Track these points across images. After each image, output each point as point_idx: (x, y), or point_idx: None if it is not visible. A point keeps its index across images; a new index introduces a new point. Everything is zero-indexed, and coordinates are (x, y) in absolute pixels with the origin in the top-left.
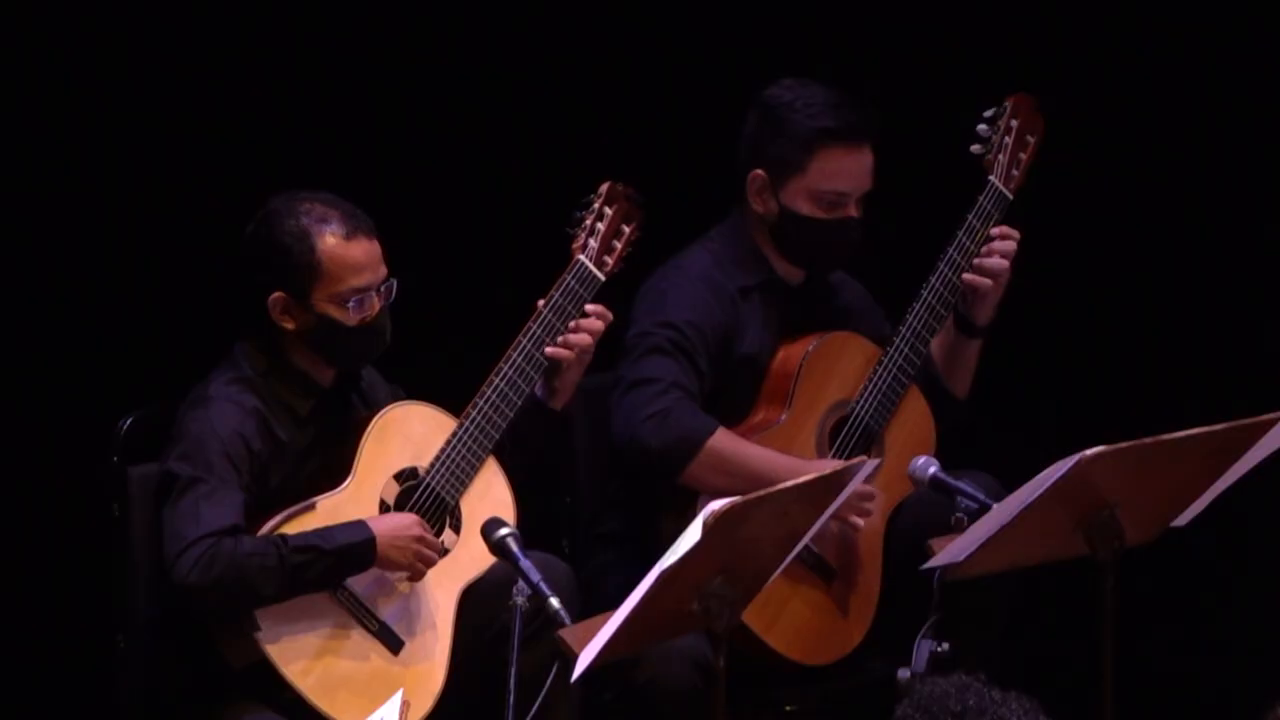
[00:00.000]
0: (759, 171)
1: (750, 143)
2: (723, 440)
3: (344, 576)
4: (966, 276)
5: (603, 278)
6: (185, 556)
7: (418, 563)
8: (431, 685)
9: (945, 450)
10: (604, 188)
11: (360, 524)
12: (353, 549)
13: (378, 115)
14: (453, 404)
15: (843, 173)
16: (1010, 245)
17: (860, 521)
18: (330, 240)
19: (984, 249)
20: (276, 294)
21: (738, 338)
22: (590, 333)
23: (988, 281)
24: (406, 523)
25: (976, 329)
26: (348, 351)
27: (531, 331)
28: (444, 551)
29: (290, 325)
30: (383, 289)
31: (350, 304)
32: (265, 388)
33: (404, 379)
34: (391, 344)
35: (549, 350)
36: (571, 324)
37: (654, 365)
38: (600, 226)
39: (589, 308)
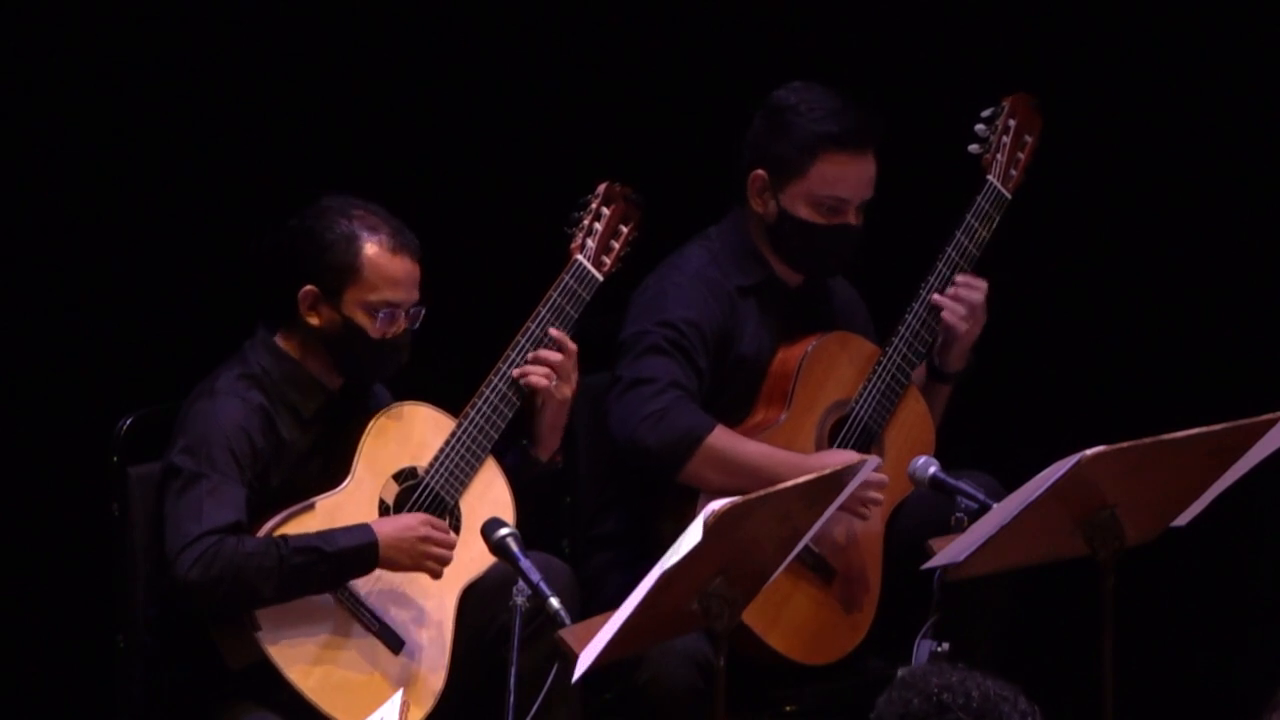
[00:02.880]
0: (760, 171)
1: (753, 143)
2: (721, 437)
3: (345, 580)
4: (935, 298)
5: (600, 277)
6: (186, 553)
7: (426, 562)
8: (432, 685)
9: (945, 450)
10: (601, 188)
11: (364, 527)
12: (354, 553)
13: (378, 114)
14: (452, 404)
15: (843, 179)
16: (974, 295)
17: (868, 512)
18: (375, 248)
19: (949, 292)
20: (309, 287)
21: (736, 337)
22: (550, 361)
23: (964, 325)
24: (410, 524)
25: (947, 375)
26: (363, 363)
27: (530, 331)
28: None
29: (315, 322)
30: (411, 312)
31: (380, 315)
32: (272, 386)
33: (403, 378)
34: (398, 375)
35: (515, 371)
36: (530, 355)
37: (651, 364)
38: (598, 226)
39: (553, 332)
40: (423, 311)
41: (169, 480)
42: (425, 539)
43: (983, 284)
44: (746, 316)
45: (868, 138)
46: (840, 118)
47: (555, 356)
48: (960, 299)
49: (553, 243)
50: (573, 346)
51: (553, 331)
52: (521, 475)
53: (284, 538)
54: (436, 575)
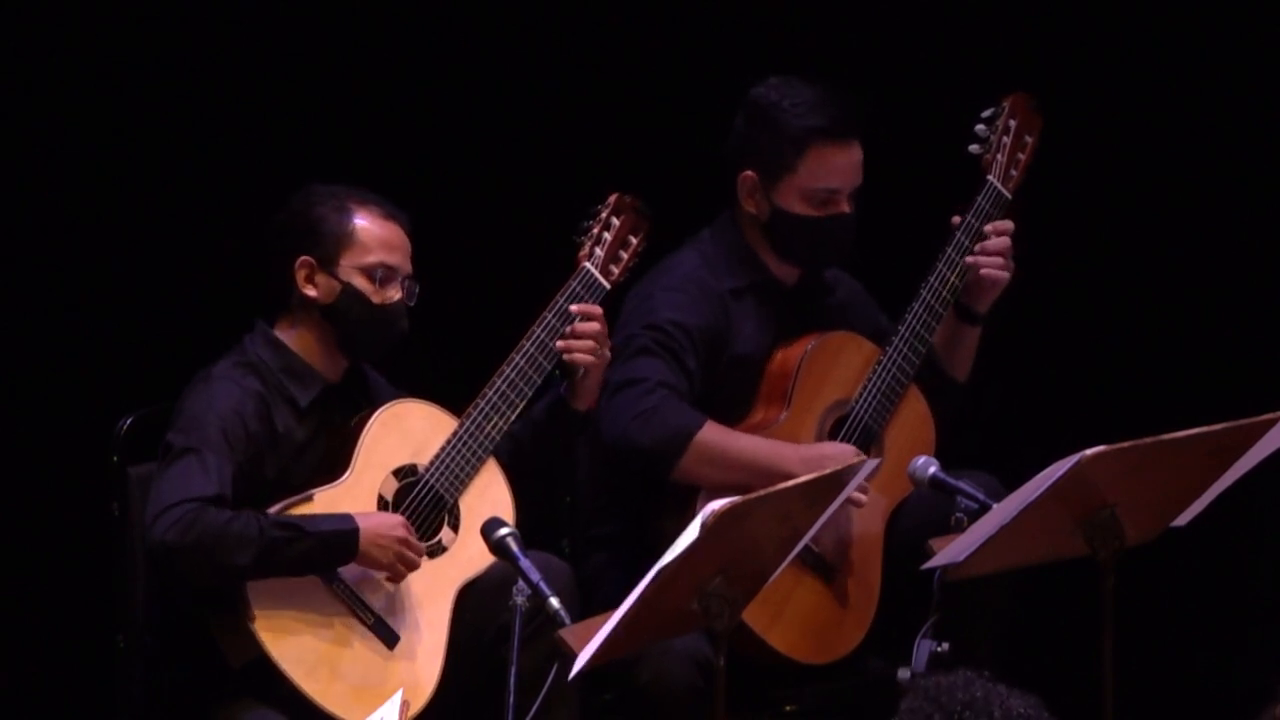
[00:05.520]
0: (749, 173)
1: (739, 144)
2: (711, 433)
3: (324, 564)
4: (984, 272)
5: (608, 286)
6: (164, 517)
7: (398, 564)
8: (426, 681)
9: (945, 449)
10: (612, 199)
11: (346, 516)
12: (334, 537)
13: (387, 121)
14: (454, 404)
15: (834, 170)
16: (1006, 241)
17: (863, 497)
18: (367, 214)
19: (981, 246)
20: (303, 258)
21: (730, 338)
22: (589, 333)
23: (1004, 275)
24: (392, 522)
25: (978, 317)
26: (365, 331)
27: (535, 335)
28: (441, 549)
29: (313, 293)
30: (407, 283)
31: (378, 275)
32: (270, 375)
33: (409, 382)
34: (401, 347)
35: (566, 357)
36: (569, 328)
37: (640, 366)
38: (607, 236)
39: (574, 308)
40: (418, 287)
41: (161, 457)
42: (404, 540)
43: (1009, 225)
44: (742, 317)
45: (853, 126)
46: (824, 109)
47: (594, 327)
48: (991, 250)
49: (558, 246)
50: (599, 311)
51: (574, 308)
52: (555, 426)
53: (265, 513)
54: (399, 579)
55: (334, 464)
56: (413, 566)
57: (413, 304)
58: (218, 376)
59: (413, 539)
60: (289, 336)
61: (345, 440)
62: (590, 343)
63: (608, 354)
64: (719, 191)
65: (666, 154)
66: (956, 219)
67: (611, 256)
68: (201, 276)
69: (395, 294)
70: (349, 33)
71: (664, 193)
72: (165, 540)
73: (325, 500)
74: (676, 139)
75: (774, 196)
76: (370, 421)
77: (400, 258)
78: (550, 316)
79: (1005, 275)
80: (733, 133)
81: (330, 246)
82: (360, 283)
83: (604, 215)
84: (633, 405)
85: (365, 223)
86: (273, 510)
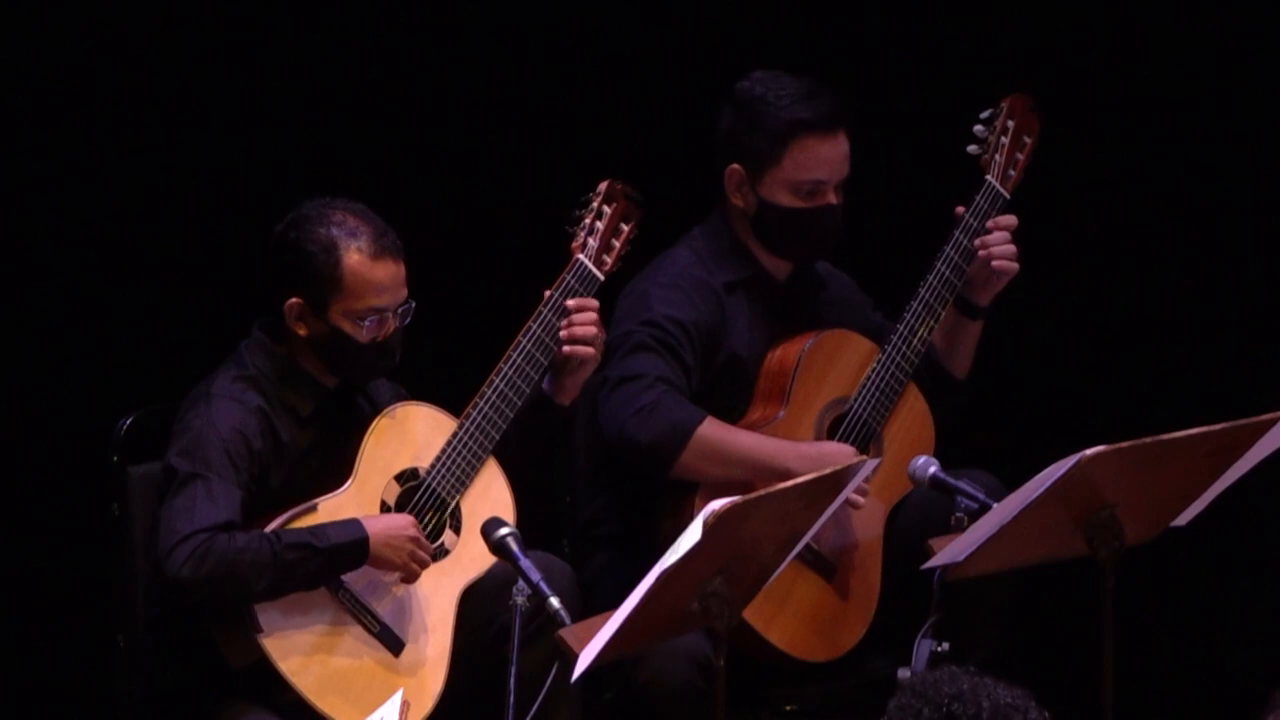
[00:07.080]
0: (736, 166)
1: (726, 138)
2: (711, 428)
3: (337, 574)
4: (997, 264)
5: (602, 276)
6: (178, 551)
7: (412, 563)
8: (432, 686)
9: (945, 449)
10: (603, 186)
11: (355, 523)
12: (346, 548)
13: (378, 115)
14: (453, 404)
15: (819, 162)
16: (1006, 234)
17: (861, 500)
18: (355, 257)
19: (982, 241)
20: (294, 299)
21: (725, 334)
22: (589, 323)
23: (1015, 266)
24: (402, 523)
25: (980, 310)
26: (354, 367)
27: (532, 331)
28: (444, 552)
29: (303, 332)
30: (400, 310)
31: (366, 322)
32: (269, 387)
33: (404, 379)
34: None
35: (567, 349)
36: (565, 322)
37: (638, 362)
38: (599, 225)
39: (570, 303)
40: (413, 306)
41: (166, 482)
42: (415, 539)
43: (1012, 220)
44: (736, 313)
45: (838, 118)
46: (808, 102)
47: (592, 316)
48: (994, 244)
49: (554, 242)
50: (594, 303)
51: (570, 303)
52: (538, 421)
53: (276, 533)
54: (413, 579)
55: (337, 471)
56: (425, 565)
57: (408, 322)
58: (218, 394)
59: (423, 538)
60: (286, 346)
61: (347, 447)
62: (591, 330)
63: (602, 347)
64: (713, 186)
65: (663, 151)
66: (961, 209)
67: (604, 246)
68: (202, 276)
69: (387, 330)
70: (345, 30)
71: (661, 190)
72: (180, 576)
73: (329, 509)
74: (674, 135)
75: (760, 190)
76: (371, 427)
77: (390, 297)
78: (546, 312)
79: (1015, 266)
80: (719, 127)
81: (319, 291)
82: (348, 328)
83: (596, 204)
84: (632, 401)
85: (354, 267)
86: (277, 521)
